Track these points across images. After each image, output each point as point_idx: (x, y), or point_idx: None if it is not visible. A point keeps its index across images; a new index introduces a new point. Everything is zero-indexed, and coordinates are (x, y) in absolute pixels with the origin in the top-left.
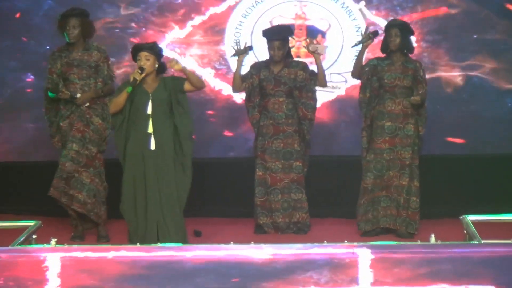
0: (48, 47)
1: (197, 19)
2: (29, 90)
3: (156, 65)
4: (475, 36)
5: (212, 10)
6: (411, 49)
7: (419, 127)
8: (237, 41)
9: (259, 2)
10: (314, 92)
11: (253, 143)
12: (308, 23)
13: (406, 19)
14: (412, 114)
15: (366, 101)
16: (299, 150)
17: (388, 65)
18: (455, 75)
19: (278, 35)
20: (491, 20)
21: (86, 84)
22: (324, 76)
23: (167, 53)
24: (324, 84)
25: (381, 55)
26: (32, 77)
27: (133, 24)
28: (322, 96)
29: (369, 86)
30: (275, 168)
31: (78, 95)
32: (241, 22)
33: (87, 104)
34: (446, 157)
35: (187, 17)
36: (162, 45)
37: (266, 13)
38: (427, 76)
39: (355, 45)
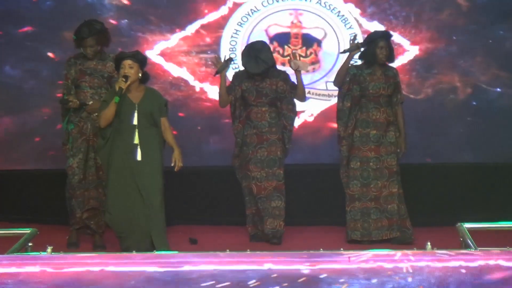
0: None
1: (193, 27)
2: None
3: (140, 74)
4: (470, 43)
5: (208, 18)
6: (393, 59)
7: (397, 132)
8: (217, 57)
9: (255, 11)
10: (294, 104)
11: (233, 153)
12: (304, 31)
13: (399, 27)
14: (393, 122)
15: (346, 111)
16: (281, 158)
17: (370, 75)
18: (453, 84)
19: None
20: (485, 26)
21: (97, 93)
22: (303, 92)
23: (160, 61)
24: (302, 100)
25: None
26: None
27: (126, 31)
28: (318, 104)
29: (349, 96)
30: (260, 177)
31: (90, 102)
32: (236, 30)
33: (96, 114)
34: (442, 165)
35: (183, 25)
36: (157, 53)
37: (262, 22)
38: (423, 85)
39: (343, 52)
